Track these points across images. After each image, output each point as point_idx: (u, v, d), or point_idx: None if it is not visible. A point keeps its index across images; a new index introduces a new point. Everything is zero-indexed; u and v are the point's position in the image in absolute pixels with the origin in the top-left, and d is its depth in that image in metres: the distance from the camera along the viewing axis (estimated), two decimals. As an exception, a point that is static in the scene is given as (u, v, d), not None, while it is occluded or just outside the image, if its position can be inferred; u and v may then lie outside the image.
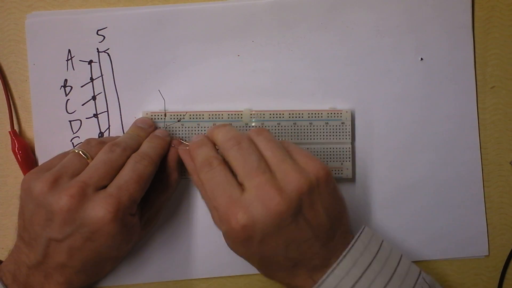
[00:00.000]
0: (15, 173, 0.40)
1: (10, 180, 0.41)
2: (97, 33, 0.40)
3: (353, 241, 0.33)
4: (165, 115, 0.39)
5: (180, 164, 0.38)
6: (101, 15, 0.40)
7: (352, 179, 0.41)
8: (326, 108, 0.40)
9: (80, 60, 0.40)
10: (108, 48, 0.40)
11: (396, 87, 0.41)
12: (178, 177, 0.38)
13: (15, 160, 0.40)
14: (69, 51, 0.40)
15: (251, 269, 0.40)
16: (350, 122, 0.40)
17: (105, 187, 0.33)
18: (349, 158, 0.40)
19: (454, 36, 0.41)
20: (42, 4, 0.41)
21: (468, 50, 0.41)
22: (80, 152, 0.35)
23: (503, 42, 0.42)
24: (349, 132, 0.40)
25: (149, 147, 0.36)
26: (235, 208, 0.30)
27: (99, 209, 0.32)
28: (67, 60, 0.40)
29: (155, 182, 0.37)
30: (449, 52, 0.41)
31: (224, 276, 0.41)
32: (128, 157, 0.35)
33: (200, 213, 0.40)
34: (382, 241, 0.34)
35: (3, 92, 0.41)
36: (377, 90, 0.41)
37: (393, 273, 0.32)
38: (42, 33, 0.40)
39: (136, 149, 0.36)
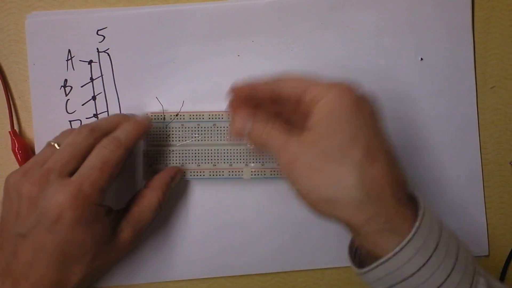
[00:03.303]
0: (15, 173, 0.41)
1: (10, 180, 0.41)
2: (97, 33, 0.40)
3: (421, 204, 0.30)
4: (164, 118, 0.39)
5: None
6: (101, 15, 0.40)
7: (352, 179, 0.41)
8: (326, 108, 0.40)
9: (80, 60, 0.40)
10: (108, 48, 0.40)
11: (396, 87, 0.41)
12: (162, 198, 0.37)
13: (15, 160, 0.40)
14: (69, 51, 0.40)
15: (251, 269, 0.41)
16: (350, 122, 0.40)
17: (75, 172, 0.33)
18: (349, 158, 0.40)
19: (454, 36, 0.41)
20: (42, 4, 0.41)
21: (468, 50, 0.41)
22: (53, 143, 0.35)
23: (503, 42, 0.42)
24: (349, 132, 0.40)
25: (121, 130, 0.35)
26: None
27: (58, 195, 0.31)
28: (67, 60, 0.40)
29: (139, 198, 0.37)
30: (449, 52, 0.41)
31: (224, 276, 0.41)
32: (96, 138, 0.34)
33: (200, 213, 0.40)
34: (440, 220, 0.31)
35: (3, 92, 0.40)
36: (377, 90, 0.41)
37: (458, 242, 0.30)
38: (42, 33, 0.40)
39: (107, 130, 0.35)
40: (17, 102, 0.41)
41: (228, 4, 0.41)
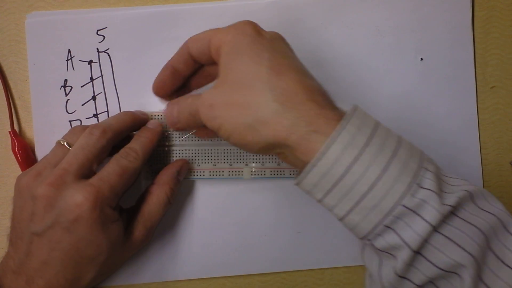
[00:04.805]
0: (15, 173, 0.40)
1: (10, 180, 0.41)
2: (97, 33, 0.40)
3: (352, 107, 0.29)
4: (164, 117, 0.39)
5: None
6: (101, 15, 0.40)
7: (352, 179, 0.41)
8: (326, 108, 0.40)
9: (80, 60, 0.40)
10: (108, 48, 0.40)
11: (396, 87, 0.41)
12: (170, 193, 0.37)
13: (15, 160, 0.40)
14: (69, 51, 0.40)
15: (251, 269, 0.41)
16: (350, 122, 0.40)
17: (89, 174, 0.33)
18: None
19: (454, 36, 0.41)
20: (42, 4, 0.41)
21: (468, 50, 0.41)
22: (62, 142, 0.35)
23: (503, 42, 0.42)
24: (349, 132, 0.40)
25: (137, 142, 0.36)
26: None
27: (78, 196, 0.31)
28: (67, 60, 0.40)
29: (147, 195, 0.37)
30: (449, 52, 0.41)
31: (224, 276, 0.41)
32: (109, 140, 0.34)
33: (200, 213, 0.41)
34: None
35: (3, 92, 0.41)
36: (377, 90, 0.41)
37: (400, 141, 0.29)
38: (42, 33, 0.40)
39: (118, 130, 0.36)
40: (17, 102, 0.41)
41: (228, 4, 0.41)
